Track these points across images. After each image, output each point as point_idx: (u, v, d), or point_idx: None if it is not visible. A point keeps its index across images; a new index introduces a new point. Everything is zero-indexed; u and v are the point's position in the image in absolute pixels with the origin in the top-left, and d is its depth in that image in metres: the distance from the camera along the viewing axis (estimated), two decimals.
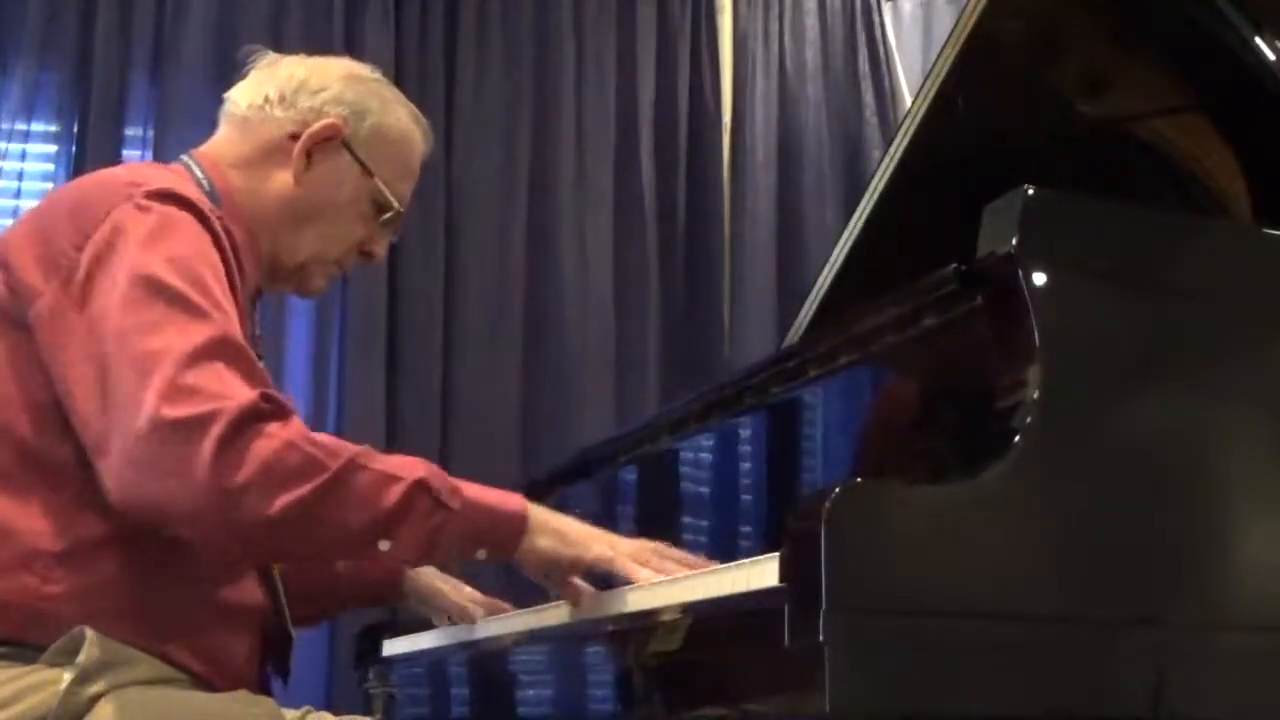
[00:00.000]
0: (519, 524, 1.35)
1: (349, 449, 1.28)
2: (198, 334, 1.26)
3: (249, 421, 1.23)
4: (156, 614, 1.33)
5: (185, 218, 1.36)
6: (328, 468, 1.25)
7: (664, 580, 1.26)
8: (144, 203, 1.34)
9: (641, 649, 1.29)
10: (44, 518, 1.31)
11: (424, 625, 1.92)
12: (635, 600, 1.28)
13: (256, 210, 1.52)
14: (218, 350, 1.27)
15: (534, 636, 1.53)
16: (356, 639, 2.10)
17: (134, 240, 1.31)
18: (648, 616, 1.25)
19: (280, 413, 1.26)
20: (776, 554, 1.05)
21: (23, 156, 3.09)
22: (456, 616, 1.74)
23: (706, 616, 1.16)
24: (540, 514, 1.38)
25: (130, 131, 3.16)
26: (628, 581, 1.32)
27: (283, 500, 1.22)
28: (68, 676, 1.25)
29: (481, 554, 1.34)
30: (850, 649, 0.98)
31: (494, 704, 1.69)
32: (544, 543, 1.36)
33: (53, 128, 3.15)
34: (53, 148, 3.14)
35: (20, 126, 3.09)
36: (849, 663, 0.98)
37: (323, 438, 1.28)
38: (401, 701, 1.97)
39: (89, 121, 3.11)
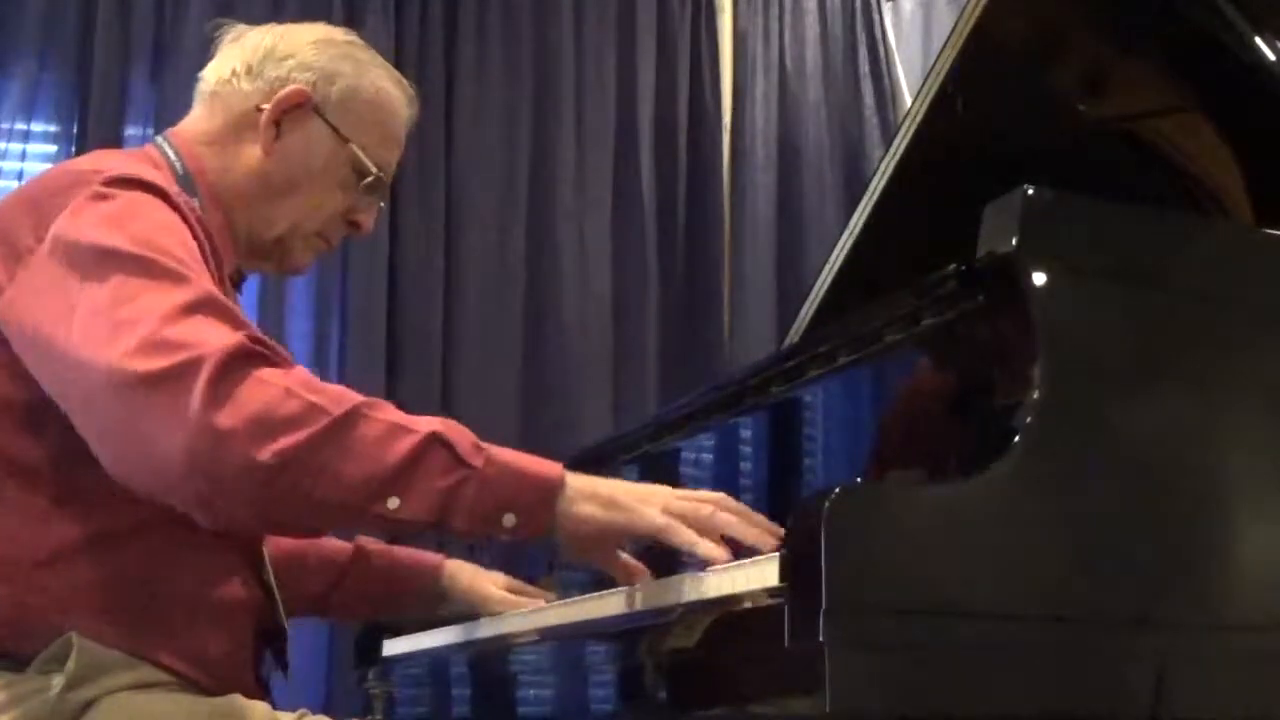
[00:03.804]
0: (552, 488, 1.22)
1: (355, 397, 1.20)
2: (174, 295, 1.22)
3: (236, 363, 1.17)
4: (140, 617, 1.31)
5: (149, 199, 1.32)
6: (329, 414, 1.17)
7: (664, 580, 1.26)
8: (104, 190, 1.31)
9: (643, 649, 1.29)
10: (21, 524, 1.29)
11: (424, 625, 1.92)
12: (635, 601, 1.28)
13: (229, 186, 1.48)
14: (197, 306, 1.22)
15: (534, 636, 1.53)
16: (356, 639, 2.09)
17: (96, 225, 1.28)
18: (648, 617, 1.25)
19: (273, 357, 1.20)
20: (776, 554, 1.05)
21: (23, 156, 3.09)
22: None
23: (708, 616, 1.16)
24: (581, 479, 1.24)
25: (130, 131, 3.16)
26: (690, 553, 1.20)
27: (277, 446, 1.15)
28: (57, 683, 1.23)
29: (509, 521, 1.21)
30: (850, 649, 0.98)
31: (494, 704, 1.69)
32: (585, 510, 1.23)
33: (53, 128, 3.15)
34: (53, 148, 3.14)
35: (20, 126, 3.09)
36: (849, 663, 0.98)
37: (328, 385, 1.21)
38: (401, 701, 1.97)
39: (89, 121, 3.11)
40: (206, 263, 1.34)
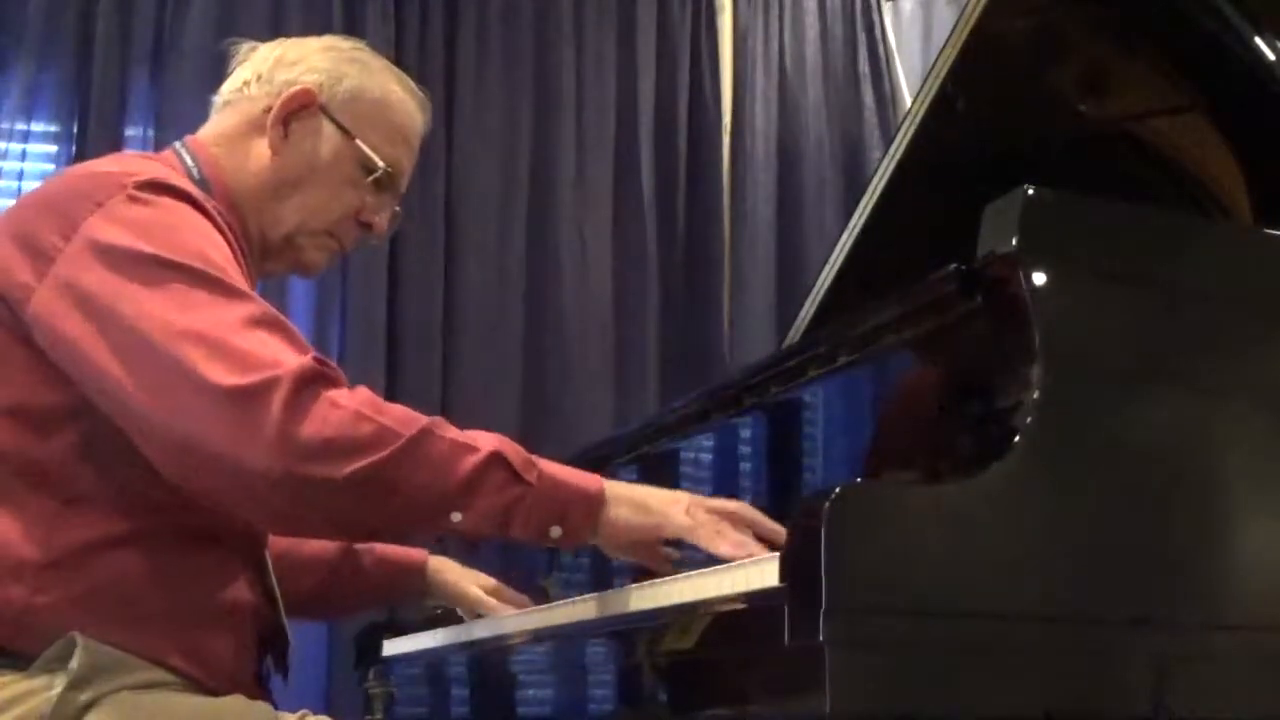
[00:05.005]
0: (596, 501, 1.32)
1: (423, 418, 1.27)
2: (238, 309, 1.27)
3: (310, 385, 1.23)
4: (146, 619, 1.31)
5: (184, 208, 1.35)
6: (400, 435, 1.24)
7: (664, 580, 1.26)
8: (137, 194, 1.32)
9: (642, 649, 1.29)
10: (29, 525, 1.29)
11: (424, 625, 1.92)
12: (635, 601, 1.28)
13: (240, 187, 1.50)
14: (261, 322, 1.27)
15: (533, 636, 1.53)
16: (356, 639, 2.10)
17: (137, 232, 1.29)
18: (647, 617, 1.25)
19: (339, 378, 1.26)
20: (776, 554, 1.05)
21: (23, 156, 3.09)
22: (486, 613, 1.74)
23: (708, 616, 1.16)
24: (616, 487, 1.34)
25: (130, 131, 3.16)
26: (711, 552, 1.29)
27: (354, 465, 1.22)
28: (60, 683, 1.24)
29: (556, 532, 1.30)
30: (850, 649, 0.98)
31: (494, 704, 1.69)
32: (622, 514, 1.32)
33: (53, 128, 3.15)
34: (53, 148, 3.14)
35: (20, 126, 3.09)
36: (849, 663, 0.98)
37: (395, 406, 1.27)
38: (401, 701, 1.97)
39: (89, 121, 3.11)
40: (240, 267, 1.37)
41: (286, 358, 1.24)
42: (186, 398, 1.23)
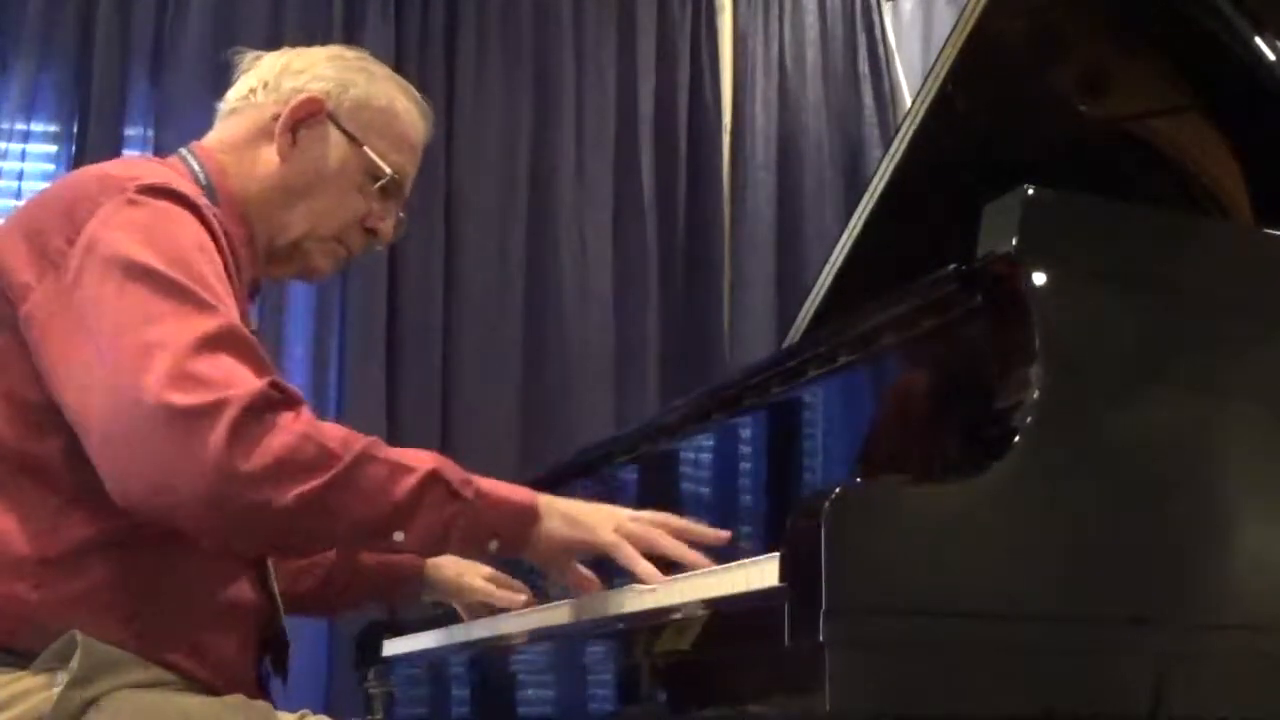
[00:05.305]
0: (530, 515, 1.35)
1: (361, 440, 1.28)
2: (202, 324, 1.26)
3: (260, 410, 1.22)
4: (148, 617, 1.32)
5: (180, 212, 1.35)
6: (340, 458, 1.25)
7: (664, 580, 1.26)
8: (137, 197, 1.33)
9: (642, 649, 1.29)
10: (32, 522, 1.30)
11: (424, 625, 1.92)
12: (635, 601, 1.28)
13: (248, 193, 1.52)
14: (223, 340, 1.26)
15: (533, 636, 1.53)
16: (356, 639, 2.10)
17: (129, 234, 1.30)
18: (647, 617, 1.25)
19: (290, 402, 1.26)
20: (776, 554, 1.05)
21: (23, 156, 3.09)
22: (491, 601, 1.76)
23: (708, 616, 1.16)
24: (551, 501, 1.38)
25: (130, 131, 3.16)
26: (630, 571, 1.33)
27: (295, 491, 1.22)
28: (61, 682, 1.24)
29: (494, 545, 1.34)
30: (850, 649, 0.98)
31: (494, 704, 1.69)
32: (552, 527, 1.36)
33: (53, 128, 3.15)
34: (53, 148, 3.14)
35: (20, 126, 3.09)
36: (849, 663, 0.98)
37: (333, 429, 1.28)
38: (401, 701, 1.97)
39: (89, 121, 3.11)
40: (230, 278, 1.37)
41: (241, 380, 1.24)
42: (138, 413, 1.22)
